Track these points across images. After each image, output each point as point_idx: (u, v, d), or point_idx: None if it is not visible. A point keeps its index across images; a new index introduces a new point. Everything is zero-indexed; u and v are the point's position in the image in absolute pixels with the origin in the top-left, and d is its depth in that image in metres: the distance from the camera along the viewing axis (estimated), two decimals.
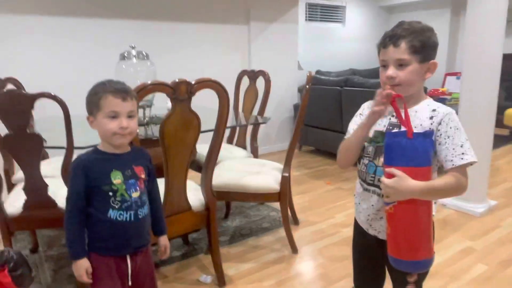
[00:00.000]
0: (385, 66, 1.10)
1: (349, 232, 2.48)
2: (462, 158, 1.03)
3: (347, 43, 6.29)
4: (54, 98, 1.67)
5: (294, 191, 3.30)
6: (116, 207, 1.22)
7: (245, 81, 3.05)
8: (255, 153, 2.92)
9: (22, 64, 3.01)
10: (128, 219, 1.24)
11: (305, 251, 2.32)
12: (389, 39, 1.08)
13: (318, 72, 5.23)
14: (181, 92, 1.59)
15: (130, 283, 1.28)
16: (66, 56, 3.24)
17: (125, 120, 1.20)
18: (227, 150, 2.85)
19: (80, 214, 1.21)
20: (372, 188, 1.16)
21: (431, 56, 1.08)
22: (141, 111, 2.35)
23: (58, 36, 3.19)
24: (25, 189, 1.77)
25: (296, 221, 2.68)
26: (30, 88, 2.34)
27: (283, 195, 2.23)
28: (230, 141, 3.17)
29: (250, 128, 2.99)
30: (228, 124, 1.98)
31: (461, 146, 1.04)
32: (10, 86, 2.56)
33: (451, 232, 2.50)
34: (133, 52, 2.35)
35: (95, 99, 1.20)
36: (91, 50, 3.34)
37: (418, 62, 1.06)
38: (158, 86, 1.55)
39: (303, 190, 3.33)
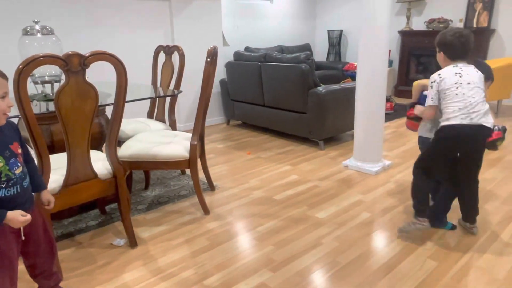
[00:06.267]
0: None
1: (259, 194, 2.76)
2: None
3: (276, 20, 6.49)
4: None
5: (216, 161, 3.50)
6: (3, 186, 1.28)
7: (163, 57, 3.13)
8: (173, 126, 3.04)
9: None
10: (15, 192, 1.32)
11: (216, 212, 2.53)
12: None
13: (246, 48, 5.38)
14: (74, 65, 1.66)
15: (23, 237, 1.38)
16: None
17: (8, 99, 1.27)
18: (144, 123, 2.95)
19: None
20: None
21: (440, 49, 2.05)
22: (48, 86, 2.38)
23: None
24: None
25: (212, 188, 2.88)
26: None
27: (192, 161, 2.40)
28: (150, 115, 3.26)
29: (168, 102, 3.10)
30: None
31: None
32: None
33: (348, 188, 2.84)
34: (37, 27, 2.35)
35: None
36: None
37: (438, 52, 2.07)
38: (49, 59, 1.61)
39: (225, 160, 3.53)
